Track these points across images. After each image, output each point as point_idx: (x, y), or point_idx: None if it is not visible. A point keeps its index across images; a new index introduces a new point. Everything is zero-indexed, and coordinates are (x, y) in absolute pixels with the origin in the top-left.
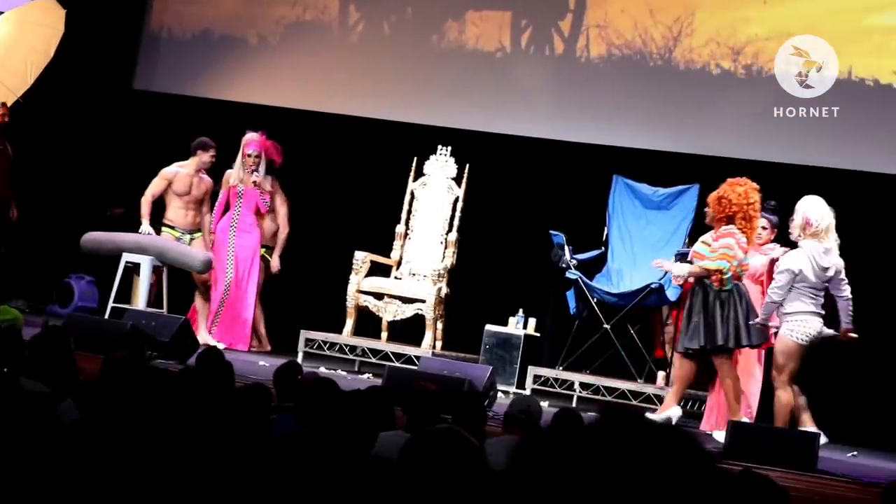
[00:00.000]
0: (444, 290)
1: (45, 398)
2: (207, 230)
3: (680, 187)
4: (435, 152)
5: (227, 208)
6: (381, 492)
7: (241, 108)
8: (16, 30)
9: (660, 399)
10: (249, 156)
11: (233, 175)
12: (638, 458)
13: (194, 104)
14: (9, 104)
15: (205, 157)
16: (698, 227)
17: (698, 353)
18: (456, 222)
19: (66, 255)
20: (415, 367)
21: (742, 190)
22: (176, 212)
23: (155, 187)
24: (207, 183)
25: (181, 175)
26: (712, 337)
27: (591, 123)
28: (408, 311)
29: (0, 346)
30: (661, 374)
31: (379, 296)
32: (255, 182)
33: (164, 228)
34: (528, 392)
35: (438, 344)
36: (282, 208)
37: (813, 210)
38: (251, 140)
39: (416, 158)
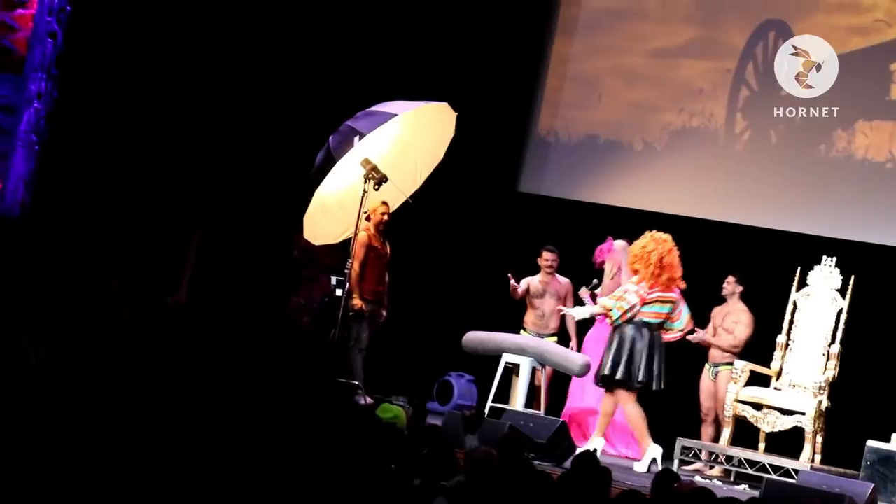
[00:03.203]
0: (825, 403)
1: (418, 492)
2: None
3: None
4: (819, 262)
5: None
6: None
7: (624, 213)
8: (410, 132)
9: None
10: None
11: None
12: None
13: (578, 208)
14: (397, 204)
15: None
16: None
17: (605, 385)
18: (839, 334)
19: (447, 353)
20: (793, 481)
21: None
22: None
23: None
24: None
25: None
26: (600, 369)
27: None
28: (787, 422)
29: (386, 442)
30: None
31: (758, 406)
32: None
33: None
34: None
35: (817, 458)
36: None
37: None
38: None
39: (799, 268)
